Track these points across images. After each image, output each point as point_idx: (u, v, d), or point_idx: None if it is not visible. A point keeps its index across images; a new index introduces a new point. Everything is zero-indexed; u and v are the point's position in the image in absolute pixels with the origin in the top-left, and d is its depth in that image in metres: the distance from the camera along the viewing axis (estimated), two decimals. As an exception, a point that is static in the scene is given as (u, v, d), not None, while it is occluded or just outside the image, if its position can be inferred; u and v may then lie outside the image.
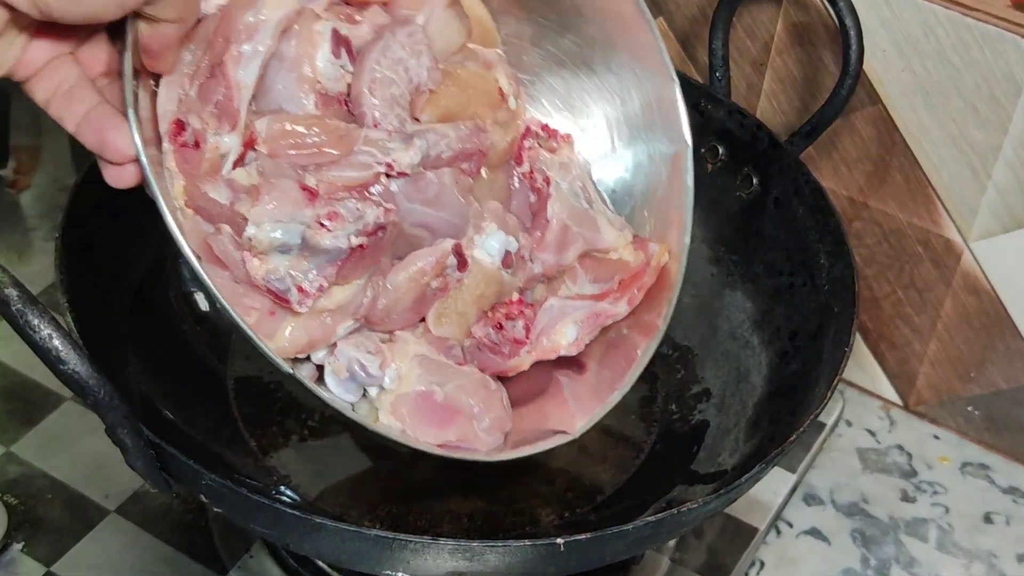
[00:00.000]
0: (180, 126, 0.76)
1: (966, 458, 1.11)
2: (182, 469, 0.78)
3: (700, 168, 1.04)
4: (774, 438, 0.90)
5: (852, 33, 0.96)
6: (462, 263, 0.83)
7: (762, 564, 1.02)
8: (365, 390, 0.83)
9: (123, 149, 0.73)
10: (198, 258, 0.76)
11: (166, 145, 0.76)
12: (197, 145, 0.76)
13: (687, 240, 0.90)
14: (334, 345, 0.81)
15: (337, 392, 0.82)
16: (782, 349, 0.98)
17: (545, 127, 0.91)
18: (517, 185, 0.89)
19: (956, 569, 1.03)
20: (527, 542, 0.79)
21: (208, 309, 1.02)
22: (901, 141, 1.03)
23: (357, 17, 0.82)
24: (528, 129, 0.90)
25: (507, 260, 0.85)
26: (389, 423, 0.82)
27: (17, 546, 0.97)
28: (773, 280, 1.01)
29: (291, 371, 0.78)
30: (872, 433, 1.13)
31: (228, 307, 0.75)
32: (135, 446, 0.76)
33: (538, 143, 0.90)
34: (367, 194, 0.79)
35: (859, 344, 1.13)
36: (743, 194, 1.03)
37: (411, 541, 0.76)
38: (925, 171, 1.03)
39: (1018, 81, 0.96)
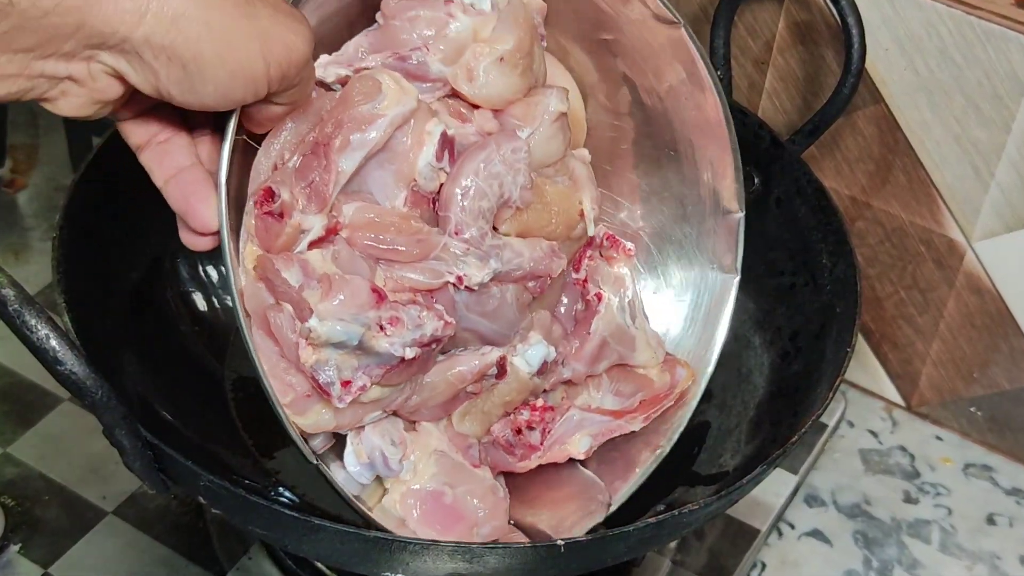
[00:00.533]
0: (269, 195, 0.76)
1: (969, 459, 1.11)
2: (180, 470, 0.77)
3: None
4: (776, 439, 0.89)
5: (854, 31, 0.96)
6: (501, 372, 0.85)
7: (763, 566, 1.02)
8: None
9: (207, 222, 0.73)
10: (248, 316, 0.76)
11: (250, 205, 0.76)
12: (281, 216, 0.76)
13: (711, 369, 0.92)
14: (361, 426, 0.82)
15: (352, 471, 0.83)
16: (784, 349, 0.98)
17: (610, 236, 0.92)
18: (568, 293, 0.90)
19: (959, 571, 1.02)
20: (527, 543, 0.79)
21: (206, 309, 1.02)
22: (903, 140, 1.02)
23: (464, 112, 0.81)
24: (592, 239, 0.91)
25: (543, 369, 0.87)
26: (391, 508, 0.83)
27: (14, 547, 0.97)
28: (775, 280, 1.00)
29: (315, 461, 0.79)
30: (874, 434, 1.13)
31: (266, 381, 0.75)
32: (133, 447, 0.75)
33: (599, 252, 0.91)
34: (431, 298, 0.79)
35: (861, 344, 1.13)
36: (745, 193, 1.02)
37: (410, 543, 0.76)
38: (928, 170, 1.03)
39: (1021, 80, 0.95)
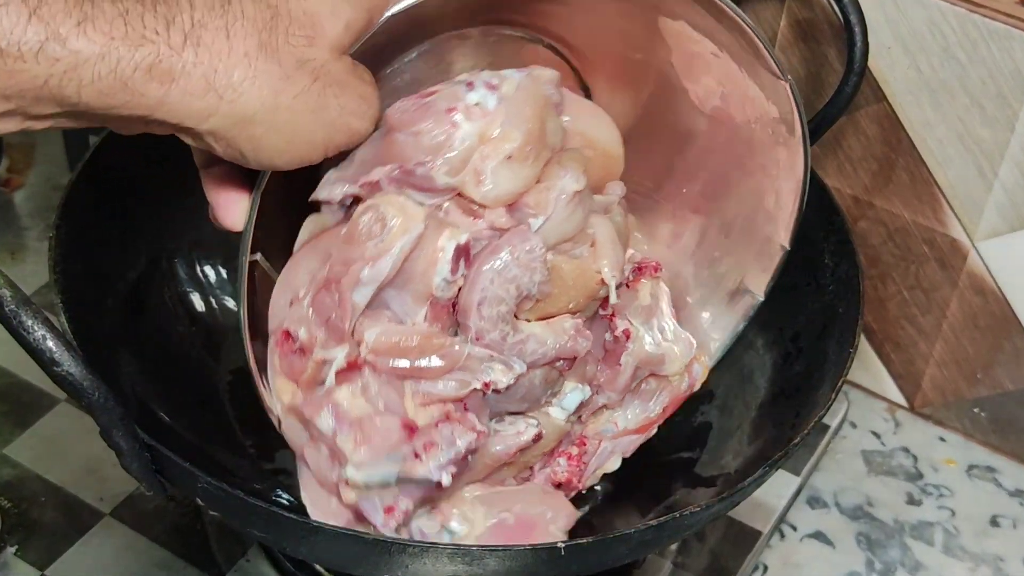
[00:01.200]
0: (288, 336, 0.77)
1: (972, 460, 1.10)
2: (178, 472, 0.77)
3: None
4: (778, 440, 0.89)
5: (857, 30, 0.95)
6: (537, 439, 0.84)
7: (765, 568, 1.01)
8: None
9: (233, 223, 0.74)
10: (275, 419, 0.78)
11: (272, 344, 0.77)
12: (304, 352, 0.77)
13: (710, 363, 0.93)
14: None
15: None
16: (786, 350, 0.97)
17: (636, 268, 0.90)
18: (596, 325, 0.88)
19: (962, 573, 1.02)
20: (527, 546, 0.78)
21: (204, 309, 1.01)
22: (906, 139, 1.02)
23: (476, 208, 0.79)
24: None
25: (578, 410, 0.86)
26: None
27: (10, 549, 0.96)
28: (777, 280, 1.00)
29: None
30: (877, 435, 1.12)
31: (313, 512, 0.78)
32: (130, 448, 0.75)
33: (626, 284, 0.90)
34: (462, 404, 0.79)
35: (864, 345, 1.12)
36: None
37: (410, 545, 0.76)
38: (931, 169, 1.02)
39: (1025, 78, 0.95)
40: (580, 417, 0.88)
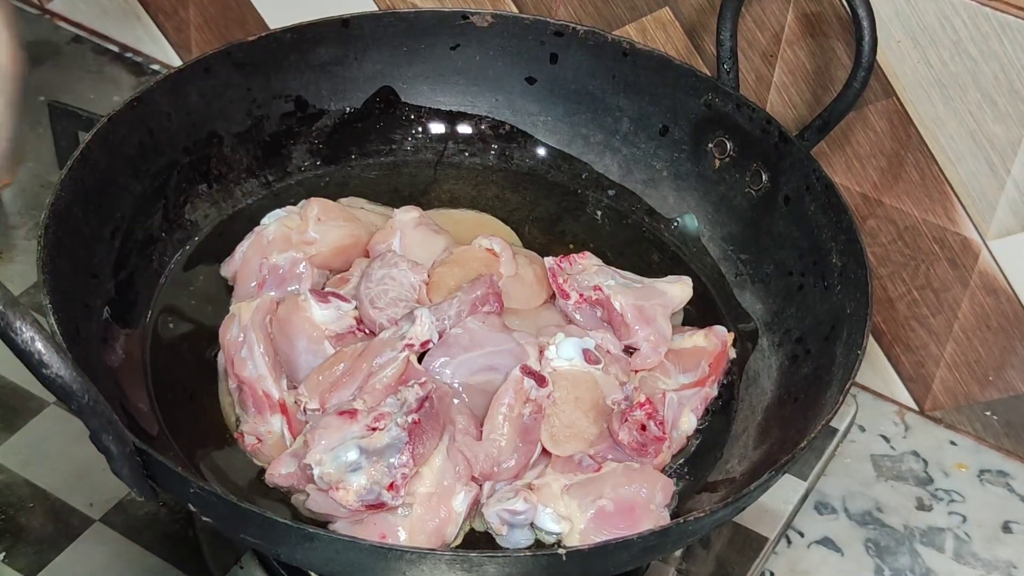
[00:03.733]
0: (241, 437, 0.90)
1: (984, 465, 1.10)
2: (169, 477, 0.77)
3: (708, 163, 1.05)
4: (784, 444, 0.88)
5: (865, 23, 0.95)
6: (539, 380, 0.88)
7: (772, 575, 1.01)
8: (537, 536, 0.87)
9: None
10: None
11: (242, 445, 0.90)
12: (260, 440, 0.89)
13: None
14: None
15: (510, 545, 0.86)
16: (793, 352, 0.97)
17: (562, 258, 0.98)
18: (580, 316, 0.96)
19: (973, 580, 1.02)
20: (527, 552, 0.80)
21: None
22: (916, 135, 1.01)
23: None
24: (552, 268, 0.98)
25: (589, 357, 0.92)
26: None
27: (-2, 556, 0.96)
28: (784, 280, 1.00)
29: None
30: (886, 439, 1.11)
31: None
32: (120, 453, 0.75)
33: (568, 265, 0.98)
34: (407, 382, 0.86)
35: (873, 346, 1.12)
36: (752, 190, 1.03)
37: (407, 552, 0.76)
38: (941, 166, 1.01)
39: (1038, 73, 0.95)
40: (623, 379, 0.92)
